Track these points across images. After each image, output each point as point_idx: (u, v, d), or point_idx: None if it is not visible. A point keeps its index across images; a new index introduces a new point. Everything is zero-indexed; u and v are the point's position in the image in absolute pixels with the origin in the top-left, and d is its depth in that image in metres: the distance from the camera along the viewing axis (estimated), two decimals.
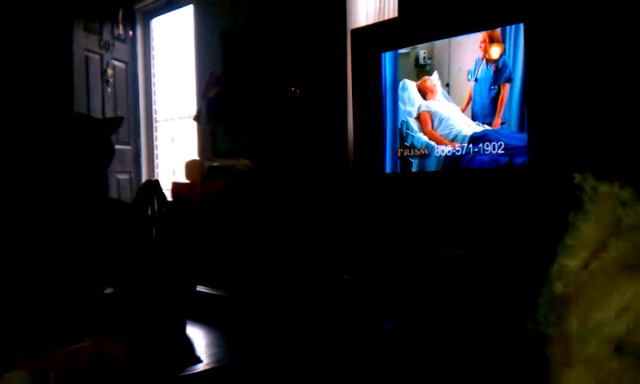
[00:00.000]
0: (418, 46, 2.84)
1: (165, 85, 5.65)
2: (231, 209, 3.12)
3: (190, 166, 3.52)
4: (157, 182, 1.79)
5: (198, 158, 3.72)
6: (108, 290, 1.56)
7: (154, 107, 5.56)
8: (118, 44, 5.29)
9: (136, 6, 5.45)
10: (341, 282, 2.58)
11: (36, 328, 1.24)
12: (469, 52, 2.68)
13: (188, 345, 1.44)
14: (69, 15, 4.87)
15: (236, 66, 4.30)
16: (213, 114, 3.85)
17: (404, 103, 2.88)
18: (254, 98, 4.06)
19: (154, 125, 5.54)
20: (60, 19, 4.81)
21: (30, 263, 1.34)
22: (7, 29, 4.43)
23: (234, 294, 1.89)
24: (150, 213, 1.69)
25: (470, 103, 2.67)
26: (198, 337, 1.52)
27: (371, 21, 3.53)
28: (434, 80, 2.80)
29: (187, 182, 3.60)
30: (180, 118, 5.42)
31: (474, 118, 2.65)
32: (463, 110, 2.69)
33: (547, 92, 2.44)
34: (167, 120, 5.64)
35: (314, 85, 3.83)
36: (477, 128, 2.64)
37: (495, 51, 2.58)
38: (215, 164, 3.46)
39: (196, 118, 4.20)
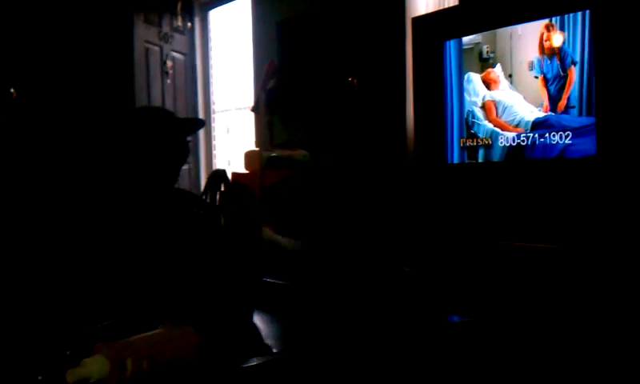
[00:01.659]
0: (481, 40, 2.83)
1: (222, 76, 5.72)
2: (290, 199, 3.12)
3: (250, 156, 3.53)
4: (224, 171, 1.81)
5: (256, 149, 3.74)
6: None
7: (211, 98, 5.63)
8: (176, 36, 5.37)
9: None
10: (402, 275, 2.55)
11: (111, 315, 1.26)
12: (530, 43, 2.67)
13: (257, 334, 1.44)
14: (130, 8, 4.96)
15: (293, 57, 4.30)
16: (271, 105, 3.86)
17: (469, 94, 2.87)
18: (312, 89, 4.06)
19: (212, 116, 5.61)
20: (121, 12, 4.91)
21: (105, 255, 1.37)
22: (71, 23, 4.54)
23: (296, 284, 1.90)
24: (217, 202, 1.72)
25: (533, 91, 2.65)
26: (264, 326, 1.53)
27: (431, 9, 3.48)
28: (497, 71, 2.80)
29: (246, 172, 3.61)
30: (236, 109, 5.46)
31: (536, 105, 2.63)
32: (526, 98, 2.68)
33: (615, 76, 2.37)
34: (223, 111, 5.70)
35: (372, 75, 3.80)
36: (539, 114, 2.64)
37: (557, 39, 2.55)
38: (274, 154, 3.47)
39: (253, 109, 4.22)
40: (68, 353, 1.10)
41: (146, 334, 1.17)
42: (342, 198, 3.18)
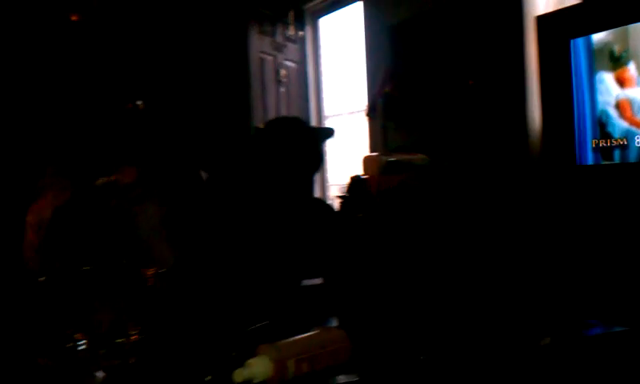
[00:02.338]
0: (611, 39, 2.71)
1: (333, 82, 5.77)
2: (410, 203, 3.11)
3: (368, 161, 3.55)
4: (363, 179, 1.85)
5: (373, 153, 3.76)
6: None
7: (323, 104, 5.71)
8: (289, 45, 5.48)
9: (305, 7, 5.61)
10: (531, 280, 2.47)
11: (267, 318, 1.31)
12: None
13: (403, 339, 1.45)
14: (245, 20, 5.12)
15: (407, 60, 4.28)
16: (387, 110, 3.87)
17: (601, 94, 2.76)
18: (428, 92, 4.03)
19: (323, 122, 5.68)
20: (237, 25, 5.08)
21: (260, 259, 1.42)
22: (191, 38, 4.75)
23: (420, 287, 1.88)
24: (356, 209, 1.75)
25: None
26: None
27: (551, 8, 3.36)
28: (631, 70, 2.68)
29: (364, 176, 3.64)
30: (348, 114, 5.50)
31: None
32: None
33: None
34: (335, 116, 5.75)
35: (490, 76, 3.72)
36: None
37: None
38: (392, 159, 3.47)
39: (368, 114, 4.24)
40: (234, 354, 1.15)
41: (303, 335, 1.20)
42: (464, 200, 3.13)
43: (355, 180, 1.74)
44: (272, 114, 5.21)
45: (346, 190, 1.73)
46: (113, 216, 1.74)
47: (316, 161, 1.76)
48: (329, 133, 1.97)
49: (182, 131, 4.53)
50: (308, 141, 1.70)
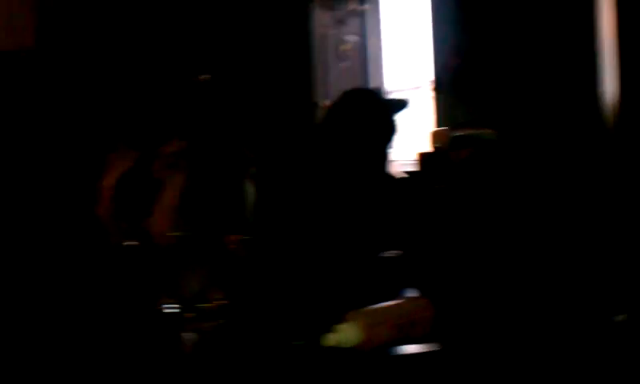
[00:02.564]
0: None
1: (395, 56, 5.71)
2: (480, 178, 3.06)
3: (436, 135, 3.52)
4: (442, 151, 1.84)
5: (442, 128, 3.71)
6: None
7: (384, 79, 5.65)
8: (351, 18, 5.44)
9: None
10: (607, 256, 2.40)
11: (353, 286, 1.32)
12: None
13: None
14: None
15: (475, 33, 4.20)
16: (454, 83, 3.81)
17: None
18: (495, 65, 3.95)
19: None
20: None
21: (339, 231, 1.43)
22: (254, 14, 4.77)
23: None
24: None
25: None
26: None
27: None
28: None
29: (431, 150, 3.60)
30: (411, 89, 5.44)
31: None
32: None
33: None
34: (397, 91, 5.69)
35: (559, 46, 3.63)
36: None
37: None
38: (461, 133, 3.42)
39: (435, 88, 4.19)
40: (323, 320, 1.16)
41: (390, 303, 1.21)
42: (536, 175, 3.07)
43: (434, 151, 1.73)
44: (334, 90, 5.19)
45: (423, 162, 1.72)
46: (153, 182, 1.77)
47: (391, 132, 1.75)
48: (403, 103, 1.96)
49: (241, 106, 4.57)
50: (384, 112, 1.70)
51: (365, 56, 5.60)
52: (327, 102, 4.56)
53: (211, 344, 1.25)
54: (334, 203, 1.57)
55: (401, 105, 1.99)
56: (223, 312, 1.30)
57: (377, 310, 1.17)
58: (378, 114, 1.78)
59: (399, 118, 1.87)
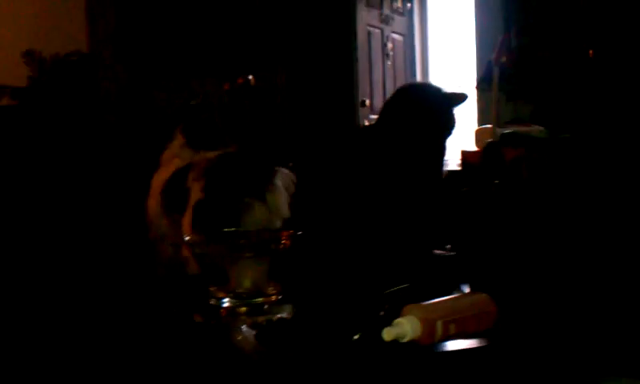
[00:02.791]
0: None
1: (440, 54, 5.67)
2: (528, 177, 3.01)
3: (481, 133, 3.47)
4: (498, 147, 1.82)
5: (487, 126, 3.66)
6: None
7: (429, 77, 5.62)
8: (396, 17, 5.42)
9: None
10: None
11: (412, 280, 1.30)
12: None
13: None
14: None
15: (522, 30, 4.14)
16: (503, 80, 3.76)
17: None
18: (544, 62, 3.88)
19: None
20: None
21: (394, 227, 1.42)
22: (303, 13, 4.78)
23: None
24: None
25: None
26: None
27: None
28: None
29: (477, 149, 3.55)
30: (456, 87, 5.40)
31: None
32: None
33: None
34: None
35: (609, 44, 3.55)
36: None
37: None
38: (508, 131, 3.36)
39: (479, 85, 4.13)
40: (382, 313, 1.15)
41: (449, 297, 1.19)
42: (587, 175, 3.00)
43: (490, 147, 1.72)
44: (379, 88, 5.18)
45: (479, 158, 1.71)
46: None
47: (451, 125, 1.75)
48: (463, 97, 1.95)
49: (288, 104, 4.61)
50: (445, 105, 1.69)
51: (411, 54, 5.58)
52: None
53: (266, 338, 1.24)
54: (393, 196, 1.56)
55: (460, 98, 1.98)
56: (277, 307, 1.30)
57: (436, 304, 1.15)
58: (438, 106, 1.77)
59: (458, 111, 1.86)
